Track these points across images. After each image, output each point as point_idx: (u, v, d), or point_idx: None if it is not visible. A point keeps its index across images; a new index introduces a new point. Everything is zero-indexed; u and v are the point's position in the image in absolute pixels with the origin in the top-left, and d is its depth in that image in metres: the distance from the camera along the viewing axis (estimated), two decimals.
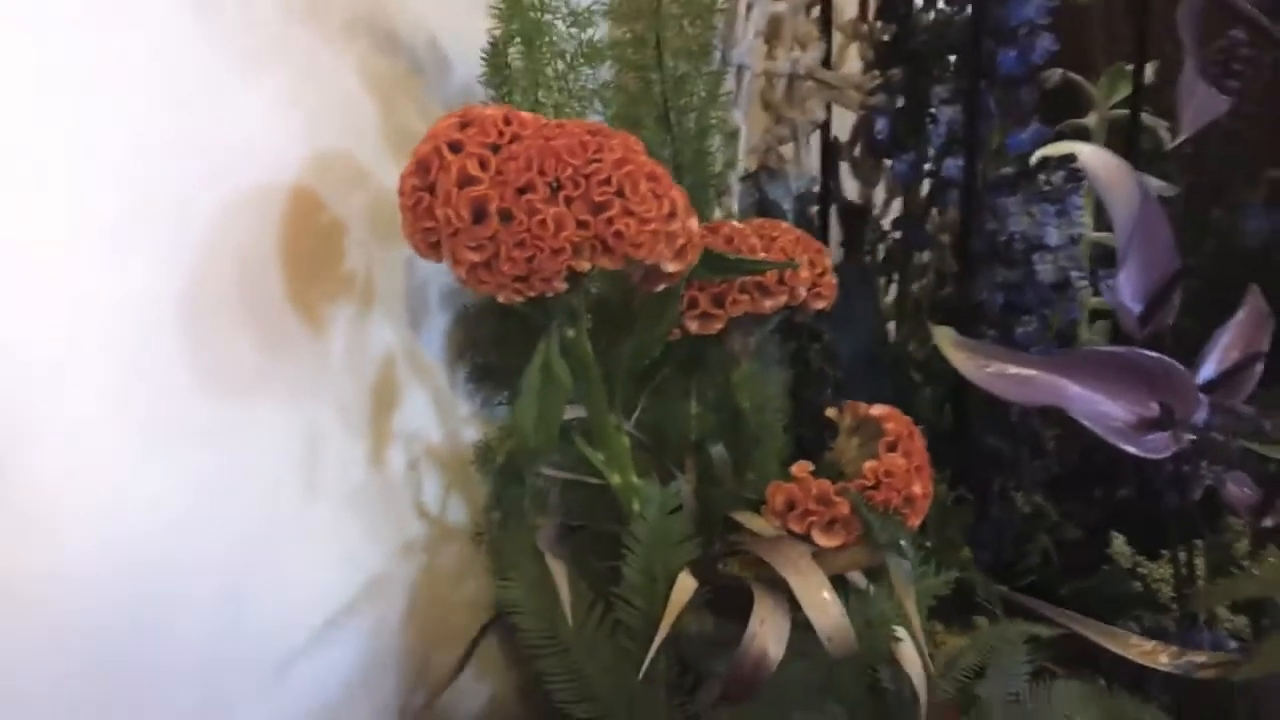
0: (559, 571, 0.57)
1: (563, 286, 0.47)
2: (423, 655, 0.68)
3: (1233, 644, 0.75)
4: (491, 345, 0.68)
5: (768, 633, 0.54)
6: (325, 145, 0.56)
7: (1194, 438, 0.73)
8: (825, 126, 0.84)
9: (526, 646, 0.61)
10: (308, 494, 0.59)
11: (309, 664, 0.60)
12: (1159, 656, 0.65)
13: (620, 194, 0.46)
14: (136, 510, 0.50)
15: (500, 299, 0.48)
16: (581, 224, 0.46)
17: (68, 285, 0.46)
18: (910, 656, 0.57)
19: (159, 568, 0.51)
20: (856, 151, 0.88)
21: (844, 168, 0.89)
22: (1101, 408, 0.73)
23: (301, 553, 0.59)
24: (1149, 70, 0.88)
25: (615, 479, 0.60)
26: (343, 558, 0.62)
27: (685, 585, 0.57)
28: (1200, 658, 0.64)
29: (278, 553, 0.57)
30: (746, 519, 0.61)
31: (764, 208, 0.79)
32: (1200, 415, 0.74)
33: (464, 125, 0.47)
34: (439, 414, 0.67)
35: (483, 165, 0.46)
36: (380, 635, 0.65)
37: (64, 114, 0.45)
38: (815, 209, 0.86)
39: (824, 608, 0.53)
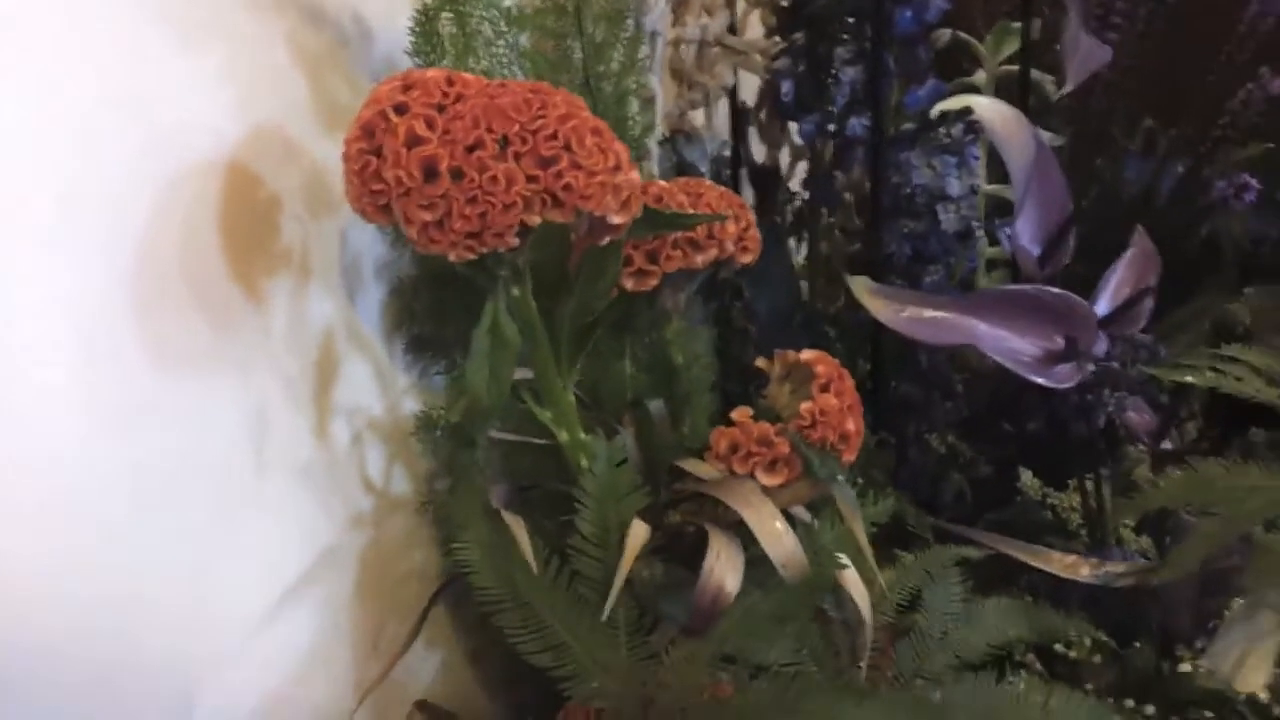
0: (517, 525, 0.58)
1: (514, 241, 0.49)
2: (375, 627, 0.69)
3: (1142, 561, 0.81)
4: (428, 316, 0.68)
5: (724, 566, 0.56)
6: (259, 120, 0.56)
7: (1096, 368, 0.78)
8: (733, 91, 0.87)
9: (484, 605, 0.62)
10: (258, 469, 0.59)
11: (267, 639, 0.60)
12: (1080, 569, 0.69)
13: (567, 148, 0.47)
14: (92, 494, 0.50)
15: (452, 257, 0.49)
16: (531, 178, 0.47)
17: (12, 269, 0.46)
18: (855, 583, 0.60)
19: (118, 552, 0.51)
20: (763, 115, 0.91)
21: (753, 132, 0.92)
22: (1010, 344, 0.77)
23: (255, 528, 0.59)
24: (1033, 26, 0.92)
25: (564, 436, 0.61)
26: (294, 532, 0.62)
27: (639, 531, 0.59)
28: (1118, 568, 0.69)
29: (233, 528, 0.57)
30: (692, 465, 0.63)
31: (682, 170, 0.82)
32: (1100, 347, 0.78)
33: (407, 88, 0.48)
34: (379, 386, 0.68)
35: (430, 125, 0.47)
36: (333, 608, 0.65)
37: (2, 97, 0.45)
38: (728, 172, 0.88)
39: (777, 536, 0.55)
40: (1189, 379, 0.72)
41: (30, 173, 0.46)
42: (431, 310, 0.69)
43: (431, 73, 0.49)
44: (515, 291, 0.55)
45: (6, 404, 0.46)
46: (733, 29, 0.85)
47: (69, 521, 0.49)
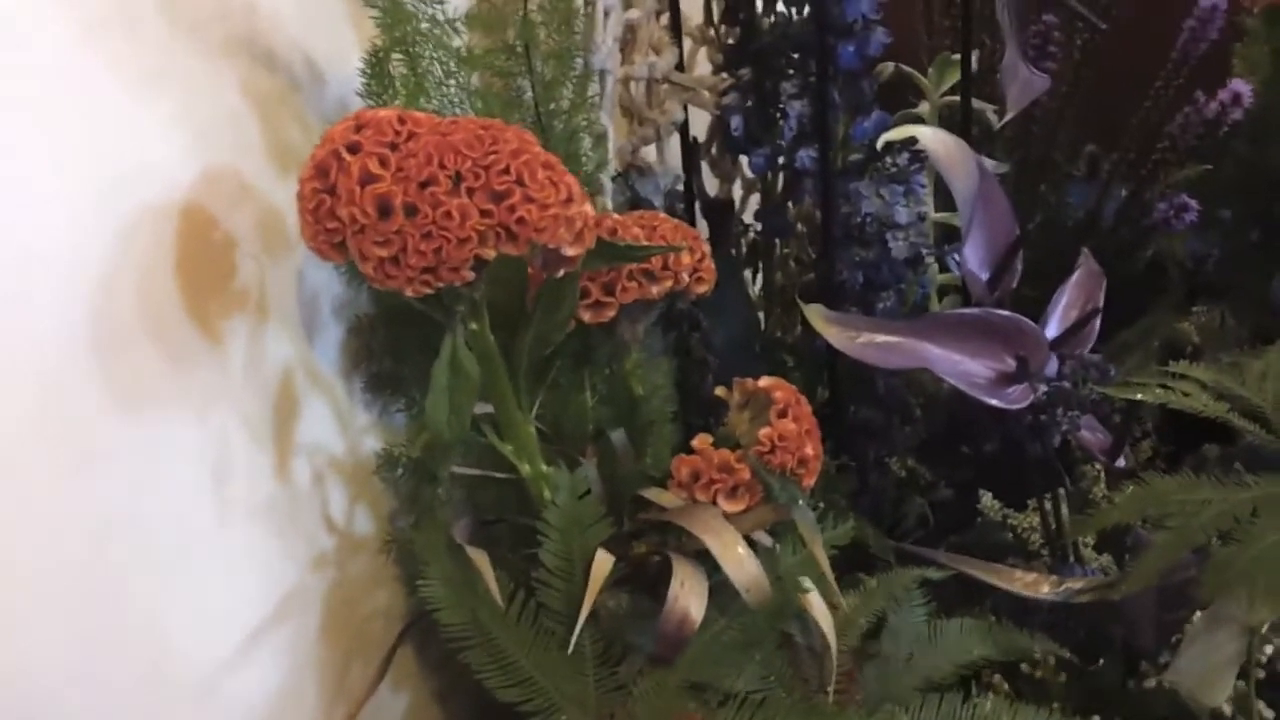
0: (481, 559, 0.59)
1: (469, 276, 0.49)
2: (341, 668, 0.68)
3: (1102, 577, 0.82)
4: (386, 353, 0.69)
5: (688, 594, 0.56)
6: (213, 162, 0.56)
7: (1048, 388, 0.80)
8: (684, 127, 0.88)
9: (450, 642, 0.62)
10: (219, 510, 0.59)
11: (232, 683, 0.60)
12: (1041, 587, 0.70)
13: (520, 182, 0.48)
14: (51, 539, 0.49)
15: (408, 293, 0.50)
16: (485, 213, 0.48)
17: None
18: (819, 607, 0.61)
19: (78, 596, 0.50)
20: (714, 149, 0.93)
21: (705, 167, 0.93)
22: (963, 366, 0.78)
23: (218, 570, 0.59)
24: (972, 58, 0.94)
25: (525, 469, 0.62)
26: (257, 573, 0.62)
27: (603, 562, 0.59)
28: (1079, 584, 0.70)
29: (196, 571, 0.57)
30: (654, 494, 0.63)
31: (636, 205, 0.83)
32: (1052, 367, 0.80)
33: (359, 128, 0.49)
34: (339, 425, 0.68)
35: (383, 163, 0.48)
36: (298, 650, 0.65)
37: None
38: (681, 206, 0.89)
39: (740, 562, 0.56)
40: (1139, 396, 0.74)
41: None
42: (390, 347, 0.69)
43: (384, 112, 0.49)
44: (473, 325, 0.56)
45: None
46: (681, 66, 0.86)
47: (26, 567, 0.48)
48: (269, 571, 0.63)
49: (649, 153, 0.86)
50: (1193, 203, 0.95)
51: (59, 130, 0.49)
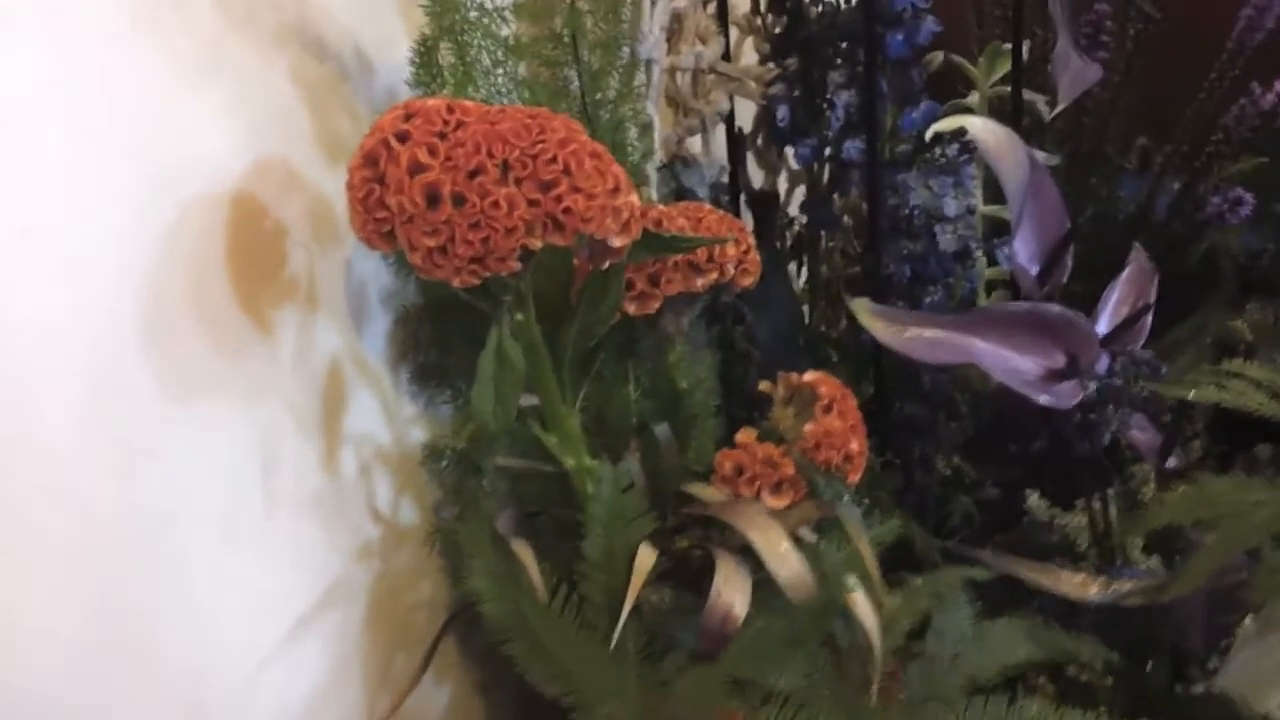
0: (524, 552, 0.59)
1: (516, 266, 0.49)
2: (384, 659, 0.69)
3: (1152, 579, 0.80)
4: (433, 345, 0.69)
5: (732, 590, 0.56)
6: (264, 152, 0.57)
7: (1098, 386, 0.78)
8: (730, 117, 0.88)
9: (493, 634, 0.62)
10: (266, 501, 0.59)
11: (277, 671, 0.60)
12: (1089, 588, 0.69)
13: (567, 172, 0.48)
14: (108, 523, 0.50)
15: (455, 283, 0.49)
16: (532, 202, 0.48)
17: (19, 305, 0.46)
18: (864, 605, 0.60)
19: (133, 581, 0.51)
20: (760, 140, 0.92)
21: (750, 157, 0.92)
22: (1012, 363, 0.77)
23: (265, 561, 0.59)
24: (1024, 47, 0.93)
25: (569, 461, 0.62)
26: (304, 564, 0.62)
27: (647, 556, 0.59)
28: (1127, 585, 0.68)
29: (244, 562, 0.57)
30: (697, 489, 0.63)
31: (681, 196, 0.82)
32: (1102, 364, 0.79)
33: (409, 116, 0.49)
34: (385, 416, 0.68)
35: (432, 152, 0.48)
36: (343, 640, 0.65)
37: (11, 132, 0.45)
38: (726, 197, 0.89)
39: (784, 558, 0.55)
40: (1191, 395, 0.72)
41: (37, 209, 0.46)
42: (436, 338, 0.69)
43: (432, 101, 0.49)
44: (519, 316, 0.56)
45: (14, 439, 0.46)
46: (727, 56, 0.85)
47: (76, 557, 0.48)
48: (315, 562, 0.63)
49: (694, 143, 0.85)
50: (1248, 196, 0.93)
51: (110, 120, 0.49)
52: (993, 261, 0.99)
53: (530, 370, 0.57)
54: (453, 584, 0.72)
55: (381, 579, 0.68)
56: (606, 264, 0.54)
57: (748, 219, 0.92)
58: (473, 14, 0.59)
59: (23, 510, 0.46)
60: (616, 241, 0.51)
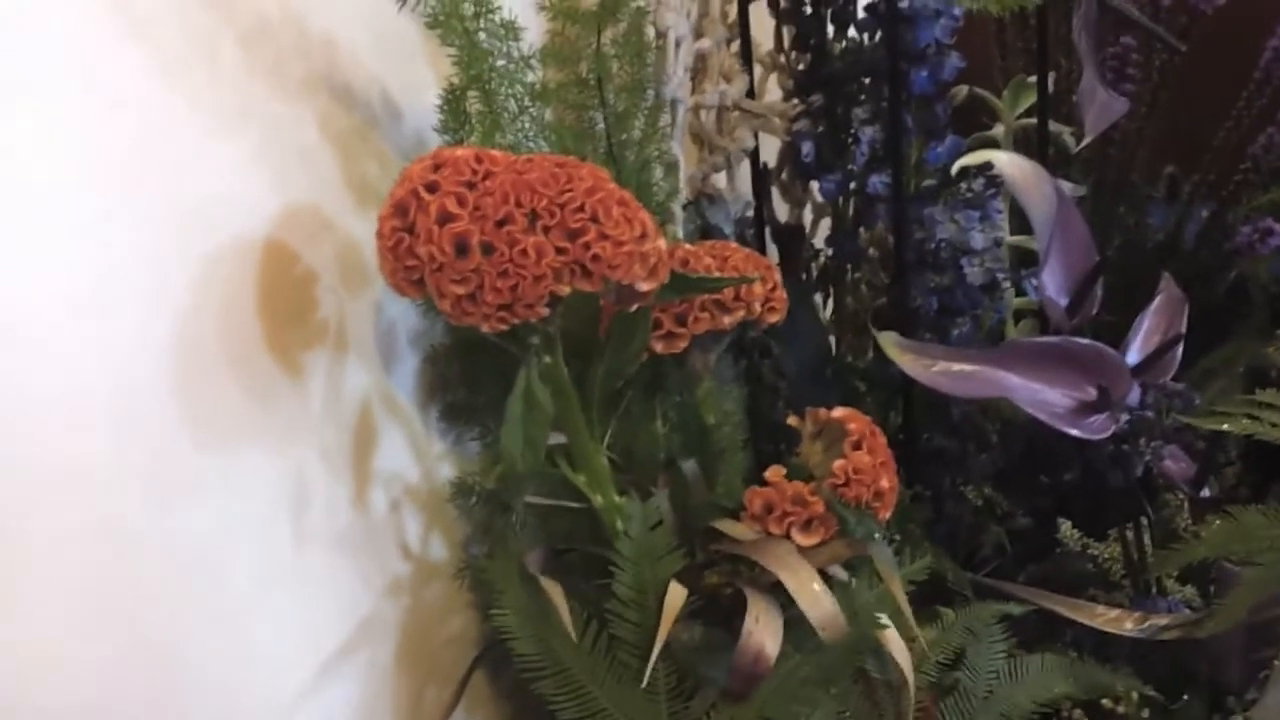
0: (554, 591, 0.59)
1: (544, 312, 0.50)
2: (415, 695, 0.69)
3: (1187, 611, 0.80)
4: (460, 384, 0.69)
5: (763, 629, 0.56)
6: (293, 198, 0.58)
7: (1130, 417, 0.78)
8: (754, 154, 0.88)
9: (524, 672, 0.62)
10: (297, 540, 0.59)
11: (310, 707, 0.60)
12: (1124, 623, 0.68)
13: (594, 219, 0.48)
14: (144, 566, 0.50)
15: (484, 329, 0.50)
16: (560, 250, 0.48)
17: (52, 346, 0.47)
18: (896, 643, 0.60)
19: (158, 627, 0.52)
20: (785, 175, 0.92)
21: (775, 192, 0.93)
22: (1042, 396, 0.77)
23: (295, 599, 0.60)
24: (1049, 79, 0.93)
25: (598, 499, 0.62)
26: (334, 600, 0.63)
27: (677, 594, 0.59)
28: (1163, 621, 0.68)
29: (273, 599, 0.58)
30: (727, 526, 0.63)
31: (707, 234, 0.83)
32: (1134, 396, 0.78)
33: (437, 167, 0.50)
34: (415, 453, 0.68)
35: (460, 202, 0.48)
36: (373, 677, 0.66)
37: (47, 176, 0.46)
38: (752, 232, 0.89)
39: (816, 599, 0.55)
40: (1225, 427, 0.72)
41: (70, 252, 0.47)
42: (465, 377, 0.70)
43: (461, 151, 0.50)
44: (547, 359, 0.56)
45: (45, 480, 0.46)
46: (751, 93, 0.86)
47: (107, 599, 0.49)
48: (346, 599, 0.63)
49: (719, 180, 0.86)
50: (1278, 227, 0.93)
51: (143, 168, 0.50)
52: (1020, 292, 0.99)
53: (558, 410, 0.57)
54: (483, 619, 0.72)
55: (412, 614, 0.69)
56: (634, 307, 0.54)
57: (773, 253, 0.93)
58: (500, 62, 0.60)
59: (59, 546, 0.47)
60: (644, 286, 0.51)
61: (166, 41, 0.51)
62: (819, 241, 0.96)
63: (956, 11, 0.81)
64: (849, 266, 0.96)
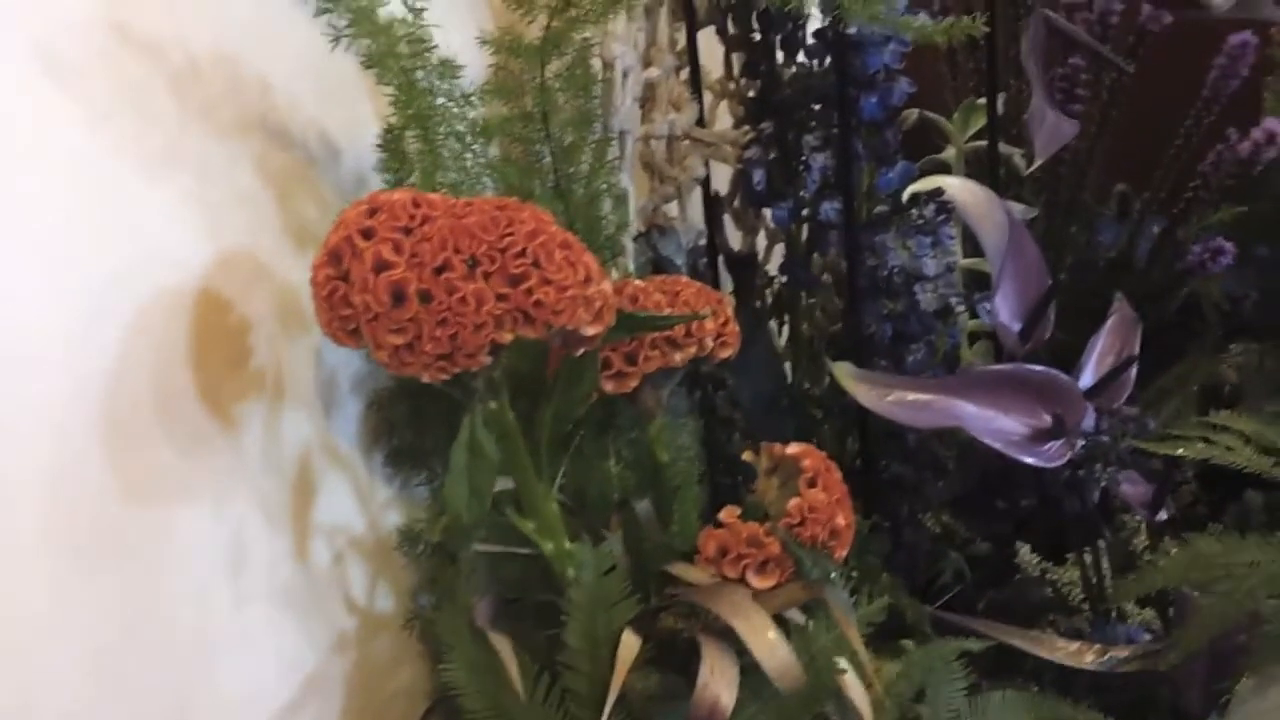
0: (503, 646, 0.57)
1: (486, 360, 0.48)
2: None
3: (1146, 636, 0.79)
4: (406, 427, 0.67)
5: (719, 680, 0.54)
6: (227, 244, 0.56)
7: (1085, 443, 0.77)
8: (706, 182, 0.87)
9: None
10: (236, 598, 0.58)
11: None
12: (1085, 656, 0.68)
13: (536, 264, 0.47)
14: (66, 635, 0.48)
15: (425, 378, 0.48)
16: (501, 297, 0.47)
17: None
18: (855, 687, 0.59)
19: (95, 692, 0.49)
20: (737, 203, 0.91)
21: (728, 220, 0.92)
22: (997, 424, 0.76)
23: (237, 658, 0.58)
24: (998, 102, 0.93)
25: (548, 546, 0.60)
26: (277, 659, 0.61)
27: (630, 644, 0.57)
28: (1123, 653, 0.67)
29: (215, 660, 0.56)
30: (681, 570, 0.61)
31: (659, 265, 0.81)
32: (1088, 421, 0.78)
33: (373, 212, 0.48)
34: (359, 501, 0.66)
35: (397, 249, 0.47)
36: None
37: None
38: (704, 261, 0.88)
39: (771, 648, 0.54)
40: (1180, 452, 0.71)
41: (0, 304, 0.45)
42: (410, 420, 0.68)
43: (398, 194, 0.48)
44: (492, 404, 0.54)
45: None
46: (701, 121, 0.85)
47: (41, 666, 0.47)
48: (289, 657, 0.62)
49: (671, 209, 0.85)
50: (1228, 246, 0.93)
51: (64, 218, 0.48)
52: (974, 314, 0.98)
53: (504, 456, 0.55)
54: (433, 670, 0.70)
55: (359, 668, 0.67)
56: (580, 351, 0.53)
57: (727, 281, 0.92)
58: (439, 100, 0.58)
59: None
60: (590, 331, 0.50)
61: (91, 87, 0.49)
62: (773, 269, 0.95)
63: (905, 37, 0.80)
64: (803, 293, 0.95)
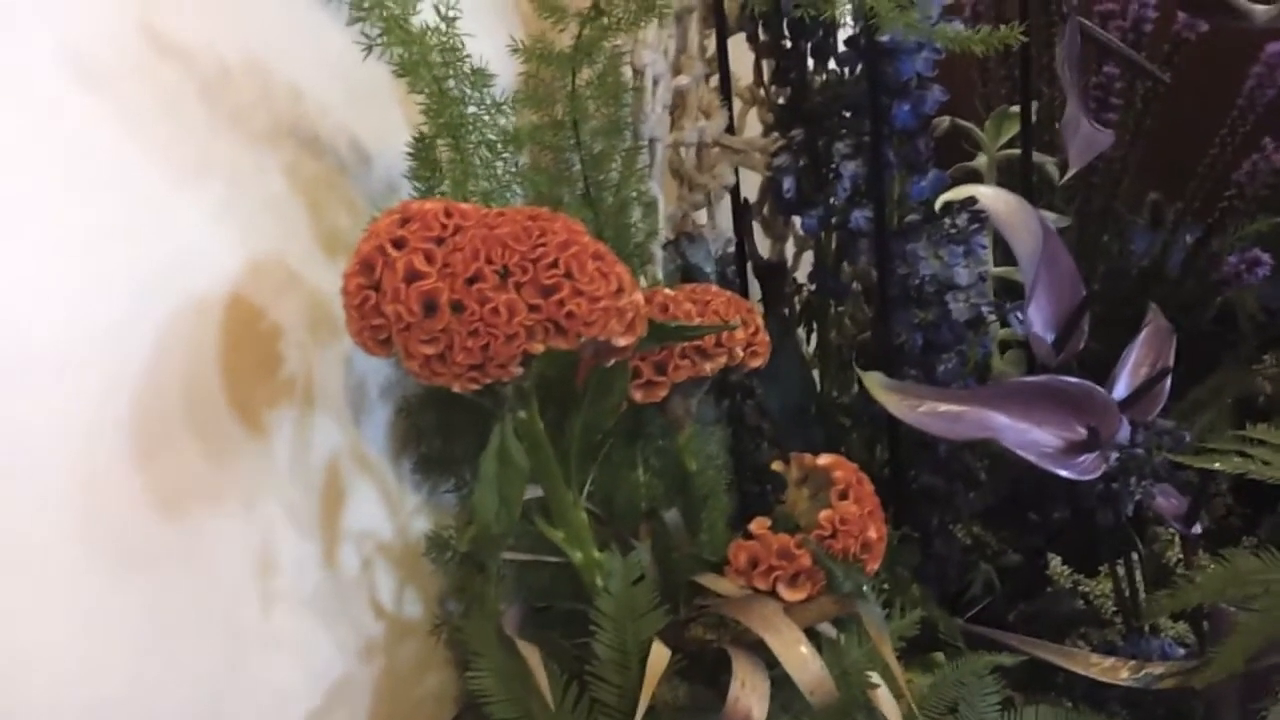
0: (531, 654, 0.57)
1: (518, 371, 0.48)
2: None
3: (1180, 651, 0.78)
4: (435, 434, 0.67)
5: (750, 694, 0.54)
6: (258, 251, 0.56)
7: (1120, 456, 0.76)
8: (735, 190, 0.86)
9: None
10: (265, 604, 0.58)
11: None
12: (1119, 672, 0.67)
13: (568, 275, 0.47)
14: (107, 642, 0.49)
15: (456, 388, 0.48)
16: (533, 308, 0.46)
17: (14, 412, 0.45)
18: (887, 702, 0.58)
19: (127, 699, 0.50)
20: (766, 211, 0.91)
21: (757, 228, 0.91)
22: (1031, 436, 0.75)
23: (266, 663, 0.58)
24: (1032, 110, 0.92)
25: (577, 556, 0.60)
26: (305, 664, 0.61)
27: (660, 655, 0.57)
28: (1158, 669, 0.66)
29: (243, 665, 0.56)
30: (711, 581, 0.61)
31: (687, 273, 0.81)
32: (1123, 433, 0.77)
33: (405, 221, 0.48)
34: (387, 508, 0.66)
35: (429, 259, 0.46)
36: None
37: (3, 236, 0.44)
38: (733, 269, 0.87)
39: (803, 662, 0.53)
40: (1217, 465, 0.70)
41: (27, 316, 0.45)
42: (439, 428, 0.68)
43: (430, 204, 0.48)
44: (522, 413, 0.54)
45: (8, 557, 0.45)
46: (731, 129, 0.84)
47: (75, 672, 0.47)
48: (317, 662, 0.61)
49: (700, 217, 0.84)
50: (1265, 257, 0.92)
51: (97, 225, 0.48)
52: (1005, 323, 0.97)
53: (534, 466, 0.55)
54: (460, 676, 0.70)
55: (386, 674, 0.67)
56: (611, 361, 0.52)
57: (756, 289, 0.91)
58: (471, 109, 0.58)
59: (20, 623, 0.45)
60: (621, 342, 0.50)
61: (125, 94, 0.50)
62: (801, 277, 0.95)
63: (938, 45, 0.79)
64: (832, 302, 0.95)
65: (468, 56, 0.58)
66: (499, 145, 0.60)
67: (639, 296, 0.50)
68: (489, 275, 0.46)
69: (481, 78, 0.58)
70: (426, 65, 0.55)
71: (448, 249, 0.46)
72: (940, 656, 0.75)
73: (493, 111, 0.59)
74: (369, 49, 0.56)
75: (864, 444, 0.94)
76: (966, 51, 0.66)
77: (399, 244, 0.47)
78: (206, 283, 0.53)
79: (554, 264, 0.47)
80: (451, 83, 0.57)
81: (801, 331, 0.99)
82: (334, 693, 0.62)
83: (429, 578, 0.70)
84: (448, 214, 0.48)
